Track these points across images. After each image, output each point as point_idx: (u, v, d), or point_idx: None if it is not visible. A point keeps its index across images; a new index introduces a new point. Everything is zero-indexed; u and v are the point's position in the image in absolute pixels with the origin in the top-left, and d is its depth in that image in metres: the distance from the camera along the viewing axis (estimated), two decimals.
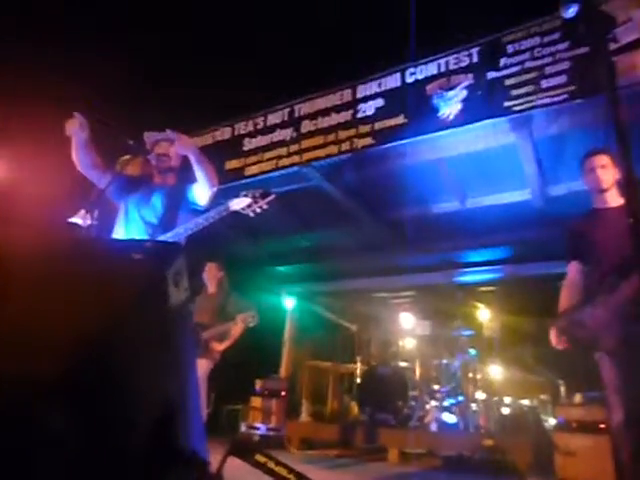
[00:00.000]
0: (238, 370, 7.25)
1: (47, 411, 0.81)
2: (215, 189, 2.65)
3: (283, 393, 6.95)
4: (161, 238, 2.50)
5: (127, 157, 2.96)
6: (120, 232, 2.74)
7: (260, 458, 1.04)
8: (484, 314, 8.35)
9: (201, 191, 2.70)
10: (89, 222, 2.37)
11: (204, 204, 2.72)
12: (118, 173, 2.79)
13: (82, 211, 2.46)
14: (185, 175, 2.89)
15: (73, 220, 2.47)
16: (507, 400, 8.04)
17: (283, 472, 1.03)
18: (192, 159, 2.70)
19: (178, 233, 2.54)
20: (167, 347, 0.94)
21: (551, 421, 7.06)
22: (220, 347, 4.43)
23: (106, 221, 2.66)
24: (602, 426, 4.23)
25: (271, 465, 1.03)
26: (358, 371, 7.85)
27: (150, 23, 8.31)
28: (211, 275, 4.83)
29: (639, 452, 2.64)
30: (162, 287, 0.89)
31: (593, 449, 4.21)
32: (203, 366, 4.32)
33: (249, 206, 2.59)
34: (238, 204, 2.59)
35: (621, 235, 2.48)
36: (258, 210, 2.62)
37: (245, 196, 2.61)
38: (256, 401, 6.91)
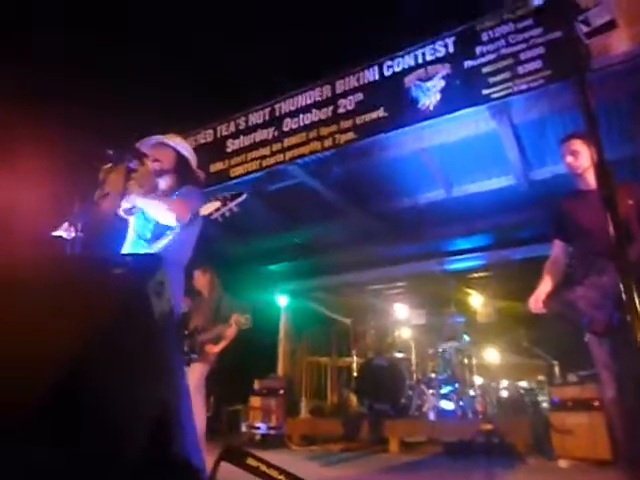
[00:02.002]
0: (236, 371, 7.27)
1: (37, 433, 0.82)
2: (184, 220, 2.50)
3: (282, 391, 6.98)
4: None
5: (109, 166, 2.96)
6: (127, 248, 2.73)
7: (252, 462, 1.05)
8: (477, 300, 8.43)
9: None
10: (73, 234, 2.35)
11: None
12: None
13: (65, 224, 2.45)
14: (187, 182, 2.84)
15: (57, 233, 2.46)
16: (504, 383, 8.12)
17: (274, 474, 1.04)
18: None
19: (157, 248, 2.49)
20: (154, 358, 0.96)
21: (548, 402, 7.15)
22: (215, 349, 4.44)
23: (93, 232, 2.65)
24: (596, 403, 4.30)
25: (263, 468, 1.04)
26: (355, 364, 7.89)
27: (118, 28, 8.24)
28: (200, 281, 4.84)
29: (631, 425, 2.69)
30: (144, 300, 0.90)
31: (588, 426, 4.29)
32: (200, 370, 4.34)
33: (217, 210, 2.52)
34: (207, 209, 2.52)
35: (606, 217, 2.52)
36: (227, 213, 2.54)
37: (215, 200, 2.54)
38: (255, 401, 6.94)
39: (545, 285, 3.09)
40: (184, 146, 2.87)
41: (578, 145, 2.95)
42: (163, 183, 2.81)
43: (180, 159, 2.82)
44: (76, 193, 2.74)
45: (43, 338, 0.91)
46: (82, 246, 2.39)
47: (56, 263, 1.06)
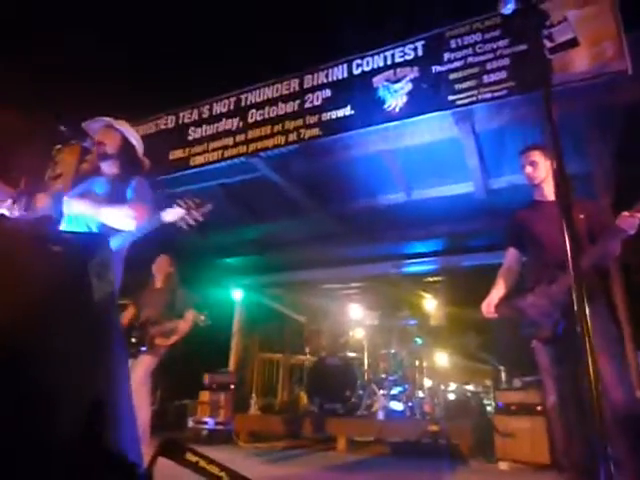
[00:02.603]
0: (186, 365, 7.12)
1: None
2: (141, 223, 2.45)
3: (232, 386, 6.89)
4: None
5: (60, 146, 2.83)
6: (63, 227, 2.61)
7: (191, 457, 1.00)
8: (430, 304, 8.59)
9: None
10: (16, 213, 2.22)
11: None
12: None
13: (9, 201, 2.31)
14: (131, 169, 2.76)
15: None
16: (452, 386, 8.31)
17: (215, 470, 0.99)
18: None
19: (115, 242, 2.41)
20: (91, 343, 0.89)
21: (493, 405, 7.36)
22: (166, 343, 4.32)
23: (39, 212, 2.51)
24: (538, 408, 4.44)
25: (202, 464, 1.00)
26: (307, 362, 7.88)
27: (87, 9, 7.93)
28: (161, 269, 4.68)
29: (570, 430, 2.78)
30: (83, 280, 0.83)
31: (530, 430, 4.42)
32: (147, 362, 4.21)
33: (182, 218, 2.46)
34: (171, 215, 2.45)
35: (560, 228, 2.60)
36: (192, 222, 2.47)
37: (179, 206, 2.45)
38: (204, 395, 6.82)
39: (498, 290, 3.16)
40: (132, 133, 2.79)
41: (537, 156, 3.02)
42: (107, 167, 2.72)
43: (126, 144, 2.75)
44: (23, 170, 2.60)
45: None
46: (26, 225, 2.26)
47: None
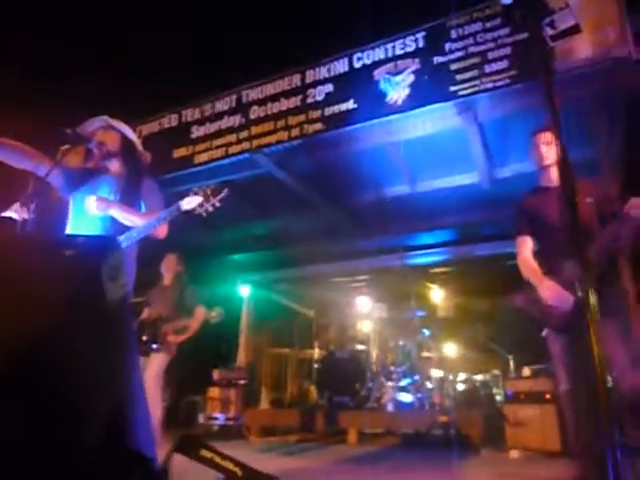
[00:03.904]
0: (196, 361, 7.17)
1: None
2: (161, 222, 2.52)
3: (242, 382, 6.94)
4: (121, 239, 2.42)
5: (66, 147, 2.85)
6: (70, 227, 2.66)
7: (205, 453, 1.02)
8: (437, 295, 8.58)
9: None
10: (25, 216, 2.24)
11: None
12: (60, 162, 2.65)
13: (17, 204, 2.34)
14: (134, 165, 2.82)
15: (7, 214, 2.35)
16: (461, 377, 8.32)
17: (229, 465, 1.01)
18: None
19: (130, 237, 2.46)
20: (107, 344, 0.91)
21: (502, 394, 7.37)
22: (177, 340, 4.35)
23: (46, 214, 2.54)
24: (547, 396, 4.45)
25: (217, 459, 1.02)
26: (316, 356, 7.92)
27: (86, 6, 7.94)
28: (169, 267, 4.70)
29: (581, 418, 2.78)
30: (97, 284, 0.85)
31: (540, 418, 4.43)
32: (159, 360, 4.23)
33: (201, 205, 2.52)
34: (189, 203, 2.51)
35: (566, 214, 2.57)
36: (210, 209, 2.54)
37: (196, 194, 2.52)
38: (214, 391, 6.87)
39: (541, 275, 2.98)
40: (128, 129, 2.84)
41: (550, 138, 3.00)
42: (112, 166, 2.78)
43: (126, 141, 2.80)
44: (30, 172, 2.62)
45: None
46: (34, 228, 2.29)
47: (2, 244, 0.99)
